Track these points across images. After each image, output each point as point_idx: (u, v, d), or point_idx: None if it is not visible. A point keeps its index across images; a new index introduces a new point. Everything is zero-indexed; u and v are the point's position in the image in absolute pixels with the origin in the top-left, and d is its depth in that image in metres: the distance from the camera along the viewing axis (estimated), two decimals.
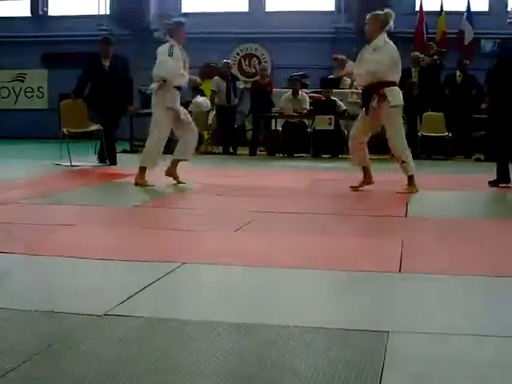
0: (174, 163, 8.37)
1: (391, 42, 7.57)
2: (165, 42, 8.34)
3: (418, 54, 14.83)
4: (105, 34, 20.14)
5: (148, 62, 20.28)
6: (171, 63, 8.20)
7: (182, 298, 3.46)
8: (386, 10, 7.90)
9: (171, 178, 8.17)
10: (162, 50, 8.31)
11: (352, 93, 15.16)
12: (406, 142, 7.90)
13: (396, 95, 7.56)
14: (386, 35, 7.54)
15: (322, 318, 3.10)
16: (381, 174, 8.29)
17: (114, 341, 2.75)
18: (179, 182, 8.24)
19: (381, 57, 7.37)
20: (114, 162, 11.12)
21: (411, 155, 7.98)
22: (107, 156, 11.12)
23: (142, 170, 8.23)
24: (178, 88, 8.28)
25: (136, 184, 8.04)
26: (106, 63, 11.13)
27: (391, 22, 7.59)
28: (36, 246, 4.61)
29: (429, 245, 4.88)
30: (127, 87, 11.35)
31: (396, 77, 7.61)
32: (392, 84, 7.52)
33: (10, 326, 2.96)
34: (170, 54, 8.17)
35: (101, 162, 11.20)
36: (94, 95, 11.10)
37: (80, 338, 2.80)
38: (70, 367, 2.47)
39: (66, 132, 11.05)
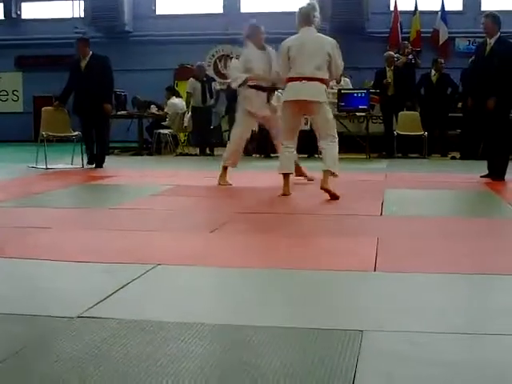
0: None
1: None
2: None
3: (392, 53, 14.90)
4: (79, 37, 20.22)
5: (123, 64, 20.32)
6: (234, 65, 8.64)
7: (156, 300, 3.44)
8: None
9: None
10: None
11: (328, 92, 15.21)
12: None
13: None
14: None
15: (295, 318, 3.11)
16: (359, 173, 8.30)
17: (88, 343, 2.73)
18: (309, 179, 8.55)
19: None
20: (100, 165, 11.05)
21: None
22: (99, 158, 11.04)
23: (224, 169, 8.43)
24: (258, 87, 8.25)
25: (219, 184, 8.28)
26: (83, 64, 11.05)
27: None
28: (9, 249, 4.57)
29: (404, 244, 4.89)
30: (106, 86, 11.20)
31: None
32: None
33: None
34: (237, 57, 8.45)
35: (90, 163, 11.12)
36: (73, 97, 11.06)
37: (53, 341, 2.77)
38: (41, 370, 2.45)
39: (44, 135, 11.01)
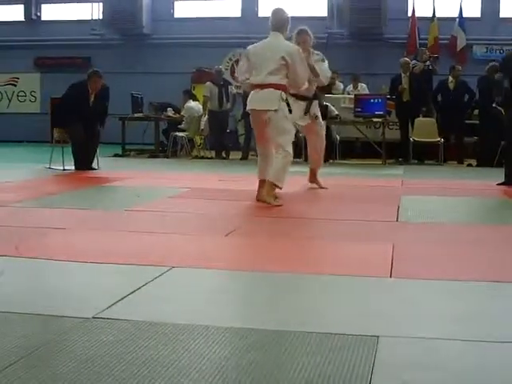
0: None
1: None
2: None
3: (408, 59, 14.86)
4: (97, 39, 20.33)
5: (140, 67, 20.38)
6: None
7: (171, 302, 3.44)
8: None
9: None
10: None
11: (344, 98, 15.22)
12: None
13: None
14: None
15: (311, 323, 3.10)
16: (375, 179, 8.28)
17: (103, 344, 2.73)
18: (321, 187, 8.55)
19: None
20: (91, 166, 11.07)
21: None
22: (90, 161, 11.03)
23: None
24: (294, 95, 7.87)
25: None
26: (92, 97, 10.96)
27: None
28: (26, 249, 4.59)
29: (420, 250, 4.88)
30: (103, 113, 11.23)
31: None
32: None
33: None
34: None
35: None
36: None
37: (68, 341, 2.78)
38: (57, 370, 2.45)
39: (57, 138, 11.06)
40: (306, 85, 7.62)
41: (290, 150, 7.07)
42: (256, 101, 7.08)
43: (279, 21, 7.18)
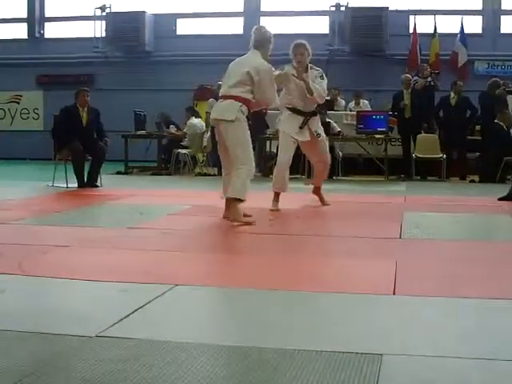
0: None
1: None
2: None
3: (409, 75, 14.88)
4: (100, 56, 20.40)
5: (143, 84, 20.42)
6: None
7: (174, 320, 3.44)
8: None
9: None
10: None
11: (346, 115, 15.24)
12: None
13: None
14: None
15: (315, 340, 3.09)
16: (378, 196, 8.27)
17: (106, 362, 2.73)
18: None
19: None
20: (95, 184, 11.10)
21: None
22: (93, 179, 11.06)
23: (275, 195, 8.03)
24: (291, 109, 7.98)
25: (270, 210, 7.84)
26: (83, 115, 11.04)
27: None
28: (29, 267, 4.59)
29: (423, 267, 4.87)
30: (100, 132, 11.33)
31: None
32: None
33: (1, 347, 2.94)
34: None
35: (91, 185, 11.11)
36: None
37: (72, 360, 2.78)
38: None
39: (58, 158, 11.10)
40: (277, 103, 7.56)
41: (250, 162, 6.87)
42: (215, 111, 7.04)
43: (260, 39, 7.15)
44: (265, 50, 7.16)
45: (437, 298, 3.90)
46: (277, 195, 8.03)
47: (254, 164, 6.99)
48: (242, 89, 6.88)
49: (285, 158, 8.02)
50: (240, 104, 6.83)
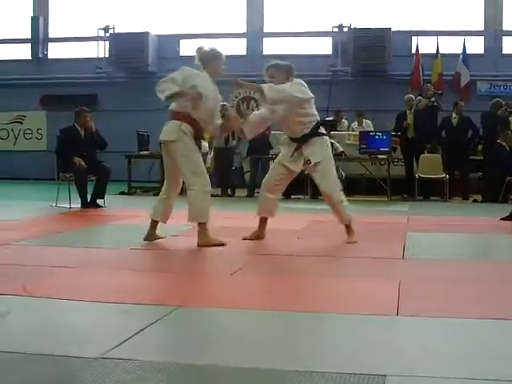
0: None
1: None
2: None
3: (412, 96, 14.92)
4: (104, 76, 20.47)
5: (146, 104, 20.47)
6: None
7: (177, 342, 3.44)
8: None
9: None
10: None
11: (349, 135, 15.27)
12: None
13: None
14: None
15: (319, 361, 3.09)
16: (381, 216, 8.25)
17: None
18: None
19: None
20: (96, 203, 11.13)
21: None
22: (98, 198, 11.10)
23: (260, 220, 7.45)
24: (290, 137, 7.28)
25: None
26: (82, 132, 11.24)
27: None
28: (33, 288, 4.59)
29: (426, 287, 4.87)
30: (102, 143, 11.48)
31: None
32: None
33: (6, 369, 2.94)
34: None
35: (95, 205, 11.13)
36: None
37: (75, 382, 2.78)
38: None
39: (67, 175, 11.13)
40: (219, 122, 7.33)
41: (199, 181, 6.66)
42: (162, 131, 6.95)
43: (202, 59, 7.18)
44: (211, 67, 7.13)
45: (440, 318, 3.90)
46: (260, 221, 7.39)
47: (206, 178, 6.76)
48: (178, 102, 6.78)
49: (265, 179, 7.45)
50: (180, 123, 6.69)
